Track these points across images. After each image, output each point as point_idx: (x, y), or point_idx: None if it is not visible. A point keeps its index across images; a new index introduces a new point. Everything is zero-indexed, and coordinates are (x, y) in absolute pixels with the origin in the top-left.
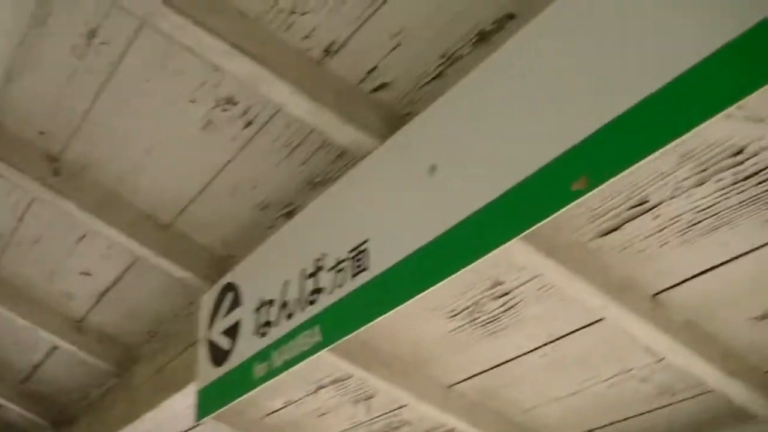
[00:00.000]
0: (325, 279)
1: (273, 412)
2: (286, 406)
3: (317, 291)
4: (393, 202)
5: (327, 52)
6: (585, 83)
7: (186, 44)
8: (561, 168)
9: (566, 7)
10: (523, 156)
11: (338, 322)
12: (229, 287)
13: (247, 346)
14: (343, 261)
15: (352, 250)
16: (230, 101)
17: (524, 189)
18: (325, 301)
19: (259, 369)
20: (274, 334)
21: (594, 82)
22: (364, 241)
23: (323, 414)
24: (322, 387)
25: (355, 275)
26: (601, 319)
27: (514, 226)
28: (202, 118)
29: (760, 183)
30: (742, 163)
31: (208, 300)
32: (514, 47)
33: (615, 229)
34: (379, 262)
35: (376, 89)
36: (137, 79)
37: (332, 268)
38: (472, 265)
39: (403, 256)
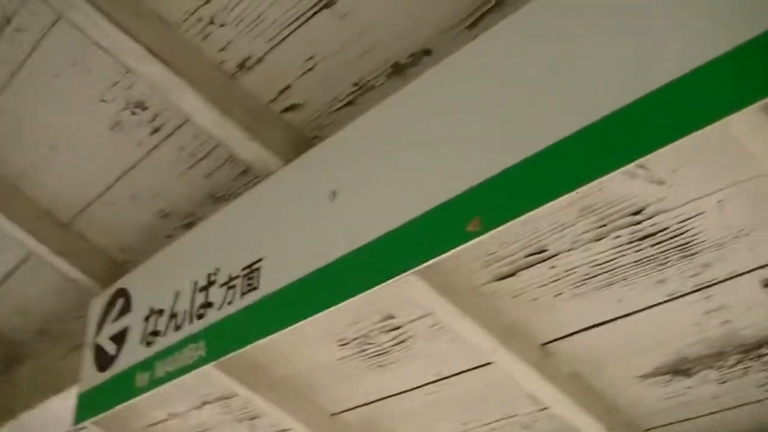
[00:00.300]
0: (216, 294)
1: (156, 423)
2: (169, 419)
3: (207, 305)
4: (291, 223)
5: (241, 66)
6: (491, 126)
7: (100, 43)
8: (457, 208)
9: (481, 49)
10: (422, 191)
11: (223, 339)
12: (121, 293)
13: (132, 354)
14: (236, 278)
15: (245, 268)
16: (140, 105)
17: (419, 225)
18: (213, 317)
19: (142, 378)
20: (161, 344)
21: (499, 125)
22: (258, 260)
23: (206, 430)
24: (207, 403)
25: (245, 293)
26: (489, 363)
27: (405, 261)
28: (110, 119)
29: (655, 244)
30: (640, 222)
31: (98, 303)
32: (426, 83)
33: (511, 275)
34: (269, 283)
35: (286, 109)
36: (49, 72)
37: (224, 283)
38: (359, 296)
39: (293, 279)
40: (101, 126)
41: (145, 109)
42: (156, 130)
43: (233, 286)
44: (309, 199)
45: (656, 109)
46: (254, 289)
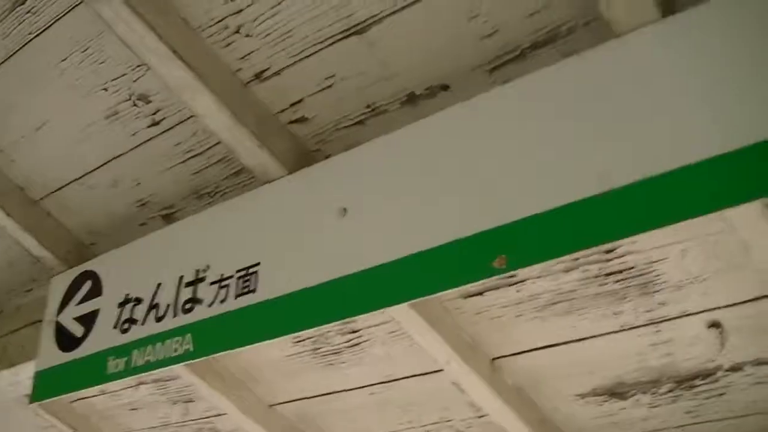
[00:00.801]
0: (205, 291)
1: (85, 398)
2: (100, 395)
3: (195, 301)
4: (294, 233)
5: (257, 77)
6: (520, 170)
7: (122, 36)
8: (485, 242)
9: (508, 96)
10: (446, 221)
11: (215, 337)
12: (89, 275)
13: (103, 338)
14: (229, 278)
15: (241, 270)
16: (144, 98)
17: (442, 253)
18: (202, 313)
19: (115, 364)
20: (139, 332)
21: (529, 172)
22: (256, 264)
23: (136, 408)
24: (144, 383)
25: (240, 295)
26: (439, 371)
27: (422, 286)
28: (108, 108)
29: (619, 281)
30: (610, 260)
31: (61, 282)
32: (450, 118)
33: (478, 294)
34: (268, 288)
35: (293, 121)
36: (53, 55)
37: (215, 282)
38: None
39: (295, 289)
40: (98, 113)
41: (148, 102)
42: (155, 124)
43: (226, 286)
44: (316, 212)
45: (675, 187)
46: (251, 292)
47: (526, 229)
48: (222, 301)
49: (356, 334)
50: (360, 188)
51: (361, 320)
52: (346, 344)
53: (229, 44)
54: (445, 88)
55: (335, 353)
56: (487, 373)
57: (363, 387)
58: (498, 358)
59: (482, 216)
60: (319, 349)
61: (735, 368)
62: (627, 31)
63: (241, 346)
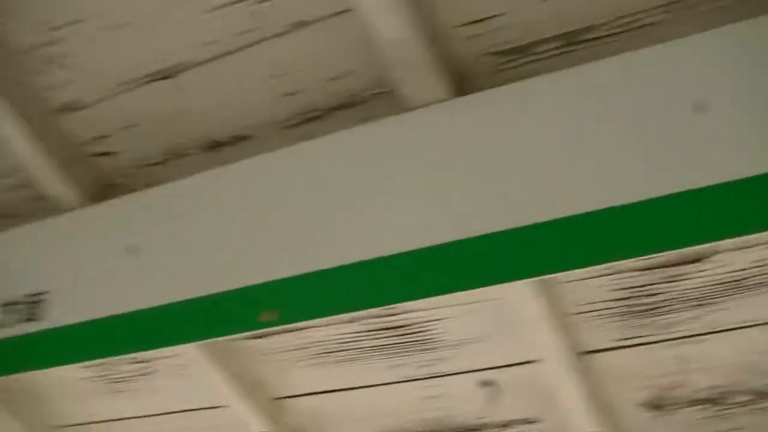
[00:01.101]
0: None
1: None
2: None
3: None
4: (85, 264)
5: (66, 107)
6: (306, 225)
7: None
8: (251, 296)
9: (307, 151)
10: (222, 271)
11: None
12: None
13: None
14: (15, 303)
15: (28, 296)
16: None
17: (214, 301)
18: None
19: None
20: None
21: (315, 227)
22: (43, 293)
23: None
24: None
25: (26, 320)
26: (225, 406)
27: (193, 331)
28: None
29: (398, 335)
30: (391, 315)
31: None
32: (248, 169)
33: (262, 337)
34: (54, 317)
35: (98, 154)
36: None
37: (3, 305)
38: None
39: (81, 320)
40: None
41: None
42: None
43: (13, 311)
44: (109, 246)
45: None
46: (35, 319)
47: (299, 286)
48: (6, 326)
49: (145, 365)
50: (153, 227)
51: (150, 352)
52: (136, 373)
53: (42, 72)
54: (246, 138)
55: (123, 381)
56: (268, 411)
57: (152, 416)
58: (280, 398)
59: (254, 270)
60: (107, 375)
61: (504, 425)
62: (419, 105)
63: (22, 372)
